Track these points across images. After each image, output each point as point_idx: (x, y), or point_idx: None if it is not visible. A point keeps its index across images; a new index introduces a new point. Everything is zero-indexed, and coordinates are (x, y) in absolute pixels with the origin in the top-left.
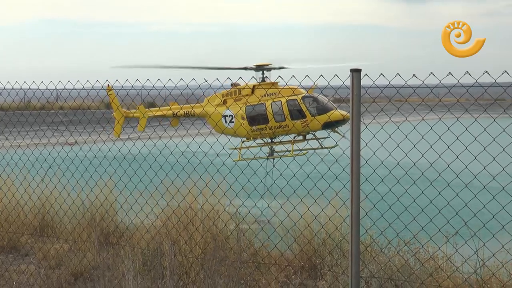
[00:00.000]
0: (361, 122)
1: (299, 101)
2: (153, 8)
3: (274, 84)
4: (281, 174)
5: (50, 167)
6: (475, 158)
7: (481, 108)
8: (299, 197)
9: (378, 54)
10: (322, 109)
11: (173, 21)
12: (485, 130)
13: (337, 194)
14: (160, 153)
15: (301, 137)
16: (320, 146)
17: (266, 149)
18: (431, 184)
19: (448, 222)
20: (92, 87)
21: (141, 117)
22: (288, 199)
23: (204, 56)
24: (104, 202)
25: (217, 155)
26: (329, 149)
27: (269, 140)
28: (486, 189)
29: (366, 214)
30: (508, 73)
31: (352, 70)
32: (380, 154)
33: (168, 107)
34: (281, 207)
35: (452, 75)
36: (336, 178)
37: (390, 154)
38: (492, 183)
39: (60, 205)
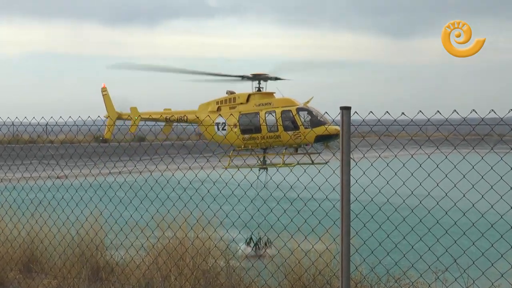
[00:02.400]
0: (351, 159)
1: (293, 112)
2: (143, 43)
3: (269, 94)
4: (271, 210)
5: (40, 203)
6: (464, 195)
7: (470, 144)
8: (289, 233)
9: (364, 90)
10: (316, 122)
11: (163, 56)
12: (473, 168)
13: (327, 231)
14: (152, 188)
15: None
16: (311, 162)
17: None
18: (420, 221)
19: (438, 259)
20: (84, 123)
21: (134, 119)
22: (278, 235)
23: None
24: (94, 238)
25: (208, 191)
26: (321, 164)
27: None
28: (475, 226)
29: (356, 251)
30: (494, 112)
31: (342, 108)
32: (370, 191)
33: (161, 112)
34: (272, 243)
35: (440, 113)
36: (327, 214)
37: (380, 191)
38: (481, 220)
39: (49, 240)
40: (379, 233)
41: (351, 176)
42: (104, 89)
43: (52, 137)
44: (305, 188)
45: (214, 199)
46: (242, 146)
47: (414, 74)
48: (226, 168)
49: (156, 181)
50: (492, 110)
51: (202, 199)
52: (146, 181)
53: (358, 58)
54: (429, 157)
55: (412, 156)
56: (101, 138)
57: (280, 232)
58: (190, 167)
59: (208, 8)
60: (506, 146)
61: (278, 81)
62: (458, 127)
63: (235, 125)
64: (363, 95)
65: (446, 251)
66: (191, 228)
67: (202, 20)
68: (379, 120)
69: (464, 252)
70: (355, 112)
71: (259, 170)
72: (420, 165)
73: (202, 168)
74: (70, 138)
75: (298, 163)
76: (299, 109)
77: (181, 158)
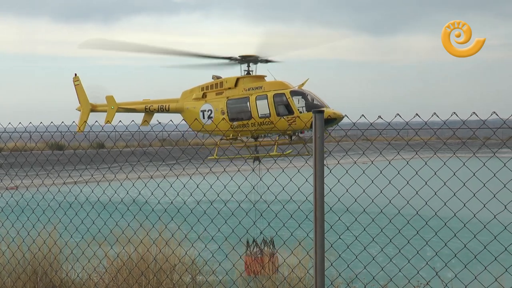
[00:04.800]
0: (325, 166)
1: (287, 95)
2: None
3: (260, 78)
4: (240, 222)
5: None
6: (445, 204)
7: (452, 148)
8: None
9: (341, 89)
10: (313, 106)
11: (121, 55)
12: (454, 174)
13: (300, 244)
14: (110, 200)
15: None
16: (307, 152)
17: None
18: (399, 232)
19: (418, 272)
20: (36, 129)
21: (110, 108)
22: (247, 249)
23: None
24: (47, 254)
25: (171, 202)
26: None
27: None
28: (457, 237)
29: (331, 264)
30: (476, 114)
31: (315, 111)
32: (346, 200)
33: (140, 101)
34: (240, 257)
35: (419, 116)
36: (299, 226)
37: (356, 201)
38: (463, 231)
39: None
40: (356, 245)
41: (325, 185)
42: (76, 79)
43: (0, 145)
44: (275, 198)
45: (178, 211)
46: (231, 135)
47: (393, 74)
48: (217, 159)
49: (115, 192)
50: (474, 112)
51: (165, 210)
52: (104, 191)
53: (333, 57)
54: (407, 163)
55: (389, 163)
56: (74, 132)
57: (250, 245)
58: (151, 176)
59: (172, 3)
60: (489, 150)
61: (269, 63)
62: (442, 130)
63: (222, 112)
64: (339, 96)
65: (427, 263)
66: (153, 242)
67: (165, 16)
68: (354, 124)
69: (446, 265)
70: (329, 116)
71: (253, 161)
72: (398, 172)
73: (164, 177)
74: (20, 145)
75: (293, 153)
76: (293, 92)
77: (142, 166)
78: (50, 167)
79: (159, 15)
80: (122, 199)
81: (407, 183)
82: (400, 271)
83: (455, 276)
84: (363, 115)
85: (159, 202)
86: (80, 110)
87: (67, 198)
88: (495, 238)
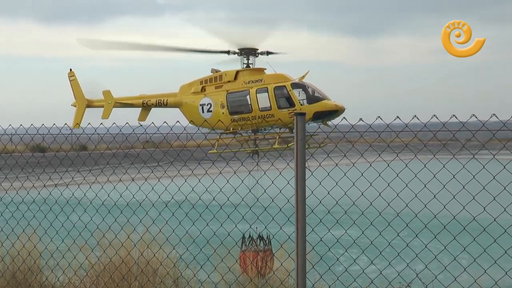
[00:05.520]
0: (307, 169)
1: (288, 88)
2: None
3: (260, 70)
4: (221, 225)
5: None
6: (425, 206)
7: (433, 150)
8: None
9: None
10: (314, 98)
11: (105, 57)
12: (434, 176)
13: (281, 246)
14: (91, 203)
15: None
16: (307, 146)
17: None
18: (380, 234)
19: (398, 274)
20: (16, 131)
21: (107, 103)
22: (229, 252)
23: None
24: (27, 258)
25: (153, 205)
26: (317, 148)
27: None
28: (437, 238)
29: (313, 267)
30: (456, 117)
31: (297, 114)
32: (328, 202)
33: (137, 96)
34: (222, 260)
35: (399, 118)
36: (281, 228)
37: (337, 203)
38: (444, 232)
39: None
40: (337, 247)
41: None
42: (71, 74)
43: None
44: (257, 200)
45: (160, 213)
46: (231, 128)
47: (378, 76)
48: (218, 153)
49: (96, 195)
50: (454, 115)
51: (147, 213)
52: (85, 194)
53: (317, 59)
54: (388, 165)
55: (370, 165)
56: (69, 128)
57: (231, 248)
58: (133, 179)
59: (156, 5)
60: (469, 152)
61: (270, 56)
62: (424, 132)
63: (222, 106)
64: None
65: (408, 265)
66: (135, 245)
67: (149, 18)
68: (335, 126)
69: (426, 267)
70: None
71: (251, 155)
72: (379, 174)
73: (146, 180)
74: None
75: (292, 144)
76: (294, 85)
77: (124, 169)
78: (30, 170)
79: (143, 16)
80: (103, 202)
81: (388, 185)
82: (381, 272)
83: (435, 277)
84: (344, 117)
85: (140, 205)
86: (75, 106)
87: (48, 201)
88: (474, 239)
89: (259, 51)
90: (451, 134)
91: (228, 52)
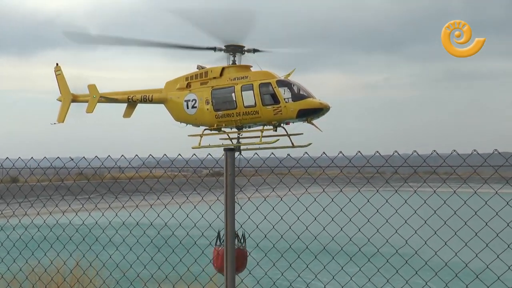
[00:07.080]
0: (236, 203)
1: (273, 85)
2: (14, 75)
3: (246, 67)
4: (152, 258)
5: None
6: (350, 239)
7: (364, 180)
8: (171, 283)
9: None
10: (299, 96)
11: (38, 89)
12: (368, 201)
13: (211, 279)
14: (20, 237)
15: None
16: (291, 145)
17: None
18: (307, 266)
19: None
20: None
21: (92, 98)
22: (159, 284)
23: None
24: None
25: (83, 239)
26: (302, 147)
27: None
28: (394, 267)
29: None
30: (379, 153)
31: (226, 150)
32: (256, 235)
33: (123, 91)
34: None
35: (326, 154)
36: (210, 262)
37: (265, 236)
38: (393, 258)
39: None
40: (266, 280)
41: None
42: (57, 69)
43: None
44: (187, 234)
45: (90, 247)
46: (215, 125)
47: None
48: (203, 147)
49: (26, 229)
50: (377, 151)
51: (77, 247)
52: (14, 229)
53: None
54: (315, 200)
55: (298, 199)
56: (54, 123)
57: (161, 281)
58: (63, 212)
59: (89, 38)
60: (398, 184)
61: (257, 53)
62: (351, 168)
63: (207, 102)
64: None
65: None
66: (64, 280)
67: (82, 51)
68: (264, 161)
69: None
70: (239, 153)
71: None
72: (306, 208)
73: (76, 214)
74: None
75: (277, 144)
76: (279, 82)
77: (54, 202)
78: None
79: (75, 50)
80: (33, 236)
81: (315, 219)
82: None
83: None
84: (272, 153)
85: (70, 239)
86: (60, 101)
87: None
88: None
89: (245, 48)
90: (375, 169)
91: (214, 49)
